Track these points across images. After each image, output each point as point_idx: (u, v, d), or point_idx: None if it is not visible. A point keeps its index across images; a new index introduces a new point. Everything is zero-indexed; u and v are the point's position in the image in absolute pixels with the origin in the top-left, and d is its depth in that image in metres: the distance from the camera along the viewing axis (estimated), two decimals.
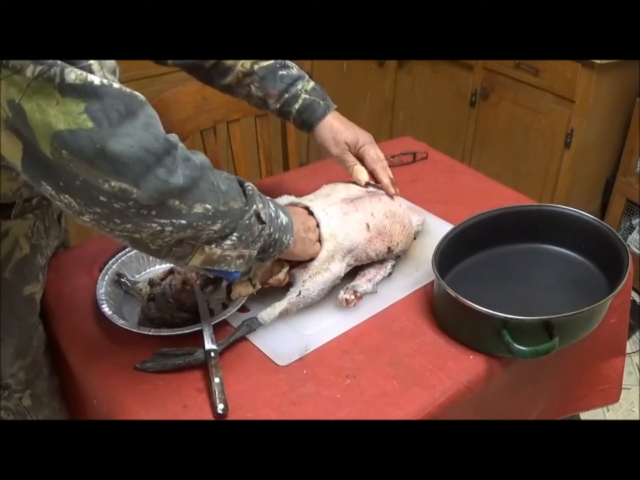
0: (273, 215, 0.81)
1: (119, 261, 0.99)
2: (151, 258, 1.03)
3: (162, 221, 0.67)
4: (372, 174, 1.06)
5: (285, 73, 1.04)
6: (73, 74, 0.58)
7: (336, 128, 1.06)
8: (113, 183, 0.62)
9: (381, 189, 1.05)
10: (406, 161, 1.38)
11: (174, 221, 0.68)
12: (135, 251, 1.01)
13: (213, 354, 0.83)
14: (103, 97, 0.60)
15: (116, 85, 0.61)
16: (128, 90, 0.62)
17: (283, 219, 0.83)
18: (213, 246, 0.74)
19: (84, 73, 0.59)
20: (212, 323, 0.88)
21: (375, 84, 2.62)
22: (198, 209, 0.69)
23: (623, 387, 1.18)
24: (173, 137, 0.67)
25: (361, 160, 1.07)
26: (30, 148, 0.61)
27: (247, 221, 0.76)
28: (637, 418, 1.81)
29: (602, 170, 2.31)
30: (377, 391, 0.82)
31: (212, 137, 1.50)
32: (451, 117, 2.55)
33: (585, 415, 1.38)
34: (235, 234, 0.75)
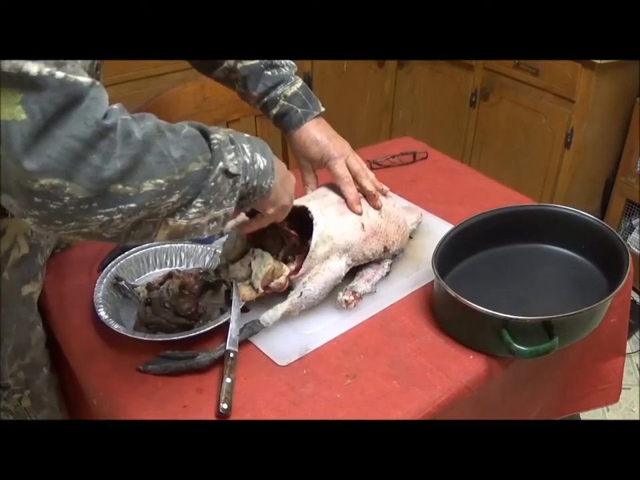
0: (248, 161, 0.74)
1: (118, 264, 0.99)
2: (150, 261, 1.03)
3: (107, 210, 0.60)
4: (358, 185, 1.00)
5: (269, 73, 0.98)
6: (7, 63, 0.53)
7: (303, 141, 0.99)
8: (42, 182, 0.56)
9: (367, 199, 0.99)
10: (406, 160, 1.38)
11: (121, 207, 0.61)
12: (135, 254, 1.01)
13: (232, 355, 0.84)
14: (42, 89, 0.54)
15: (59, 75, 0.55)
16: (73, 78, 0.56)
17: (261, 162, 0.76)
18: (177, 217, 0.68)
19: (20, 62, 0.53)
20: (213, 327, 0.88)
21: (375, 84, 2.62)
22: (147, 186, 0.62)
23: (623, 387, 1.18)
24: (113, 113, 0.59)
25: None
26: None
27: (212, 183, 0.69)
28: (637, 418, 1.81)
29: (602, 170, 2.31)
30: (376, 390, 0.82)
31: None
32: (451, 117, 2.55)
33: (585, 415, 1.38)
34: (199, 199, 0.68)
